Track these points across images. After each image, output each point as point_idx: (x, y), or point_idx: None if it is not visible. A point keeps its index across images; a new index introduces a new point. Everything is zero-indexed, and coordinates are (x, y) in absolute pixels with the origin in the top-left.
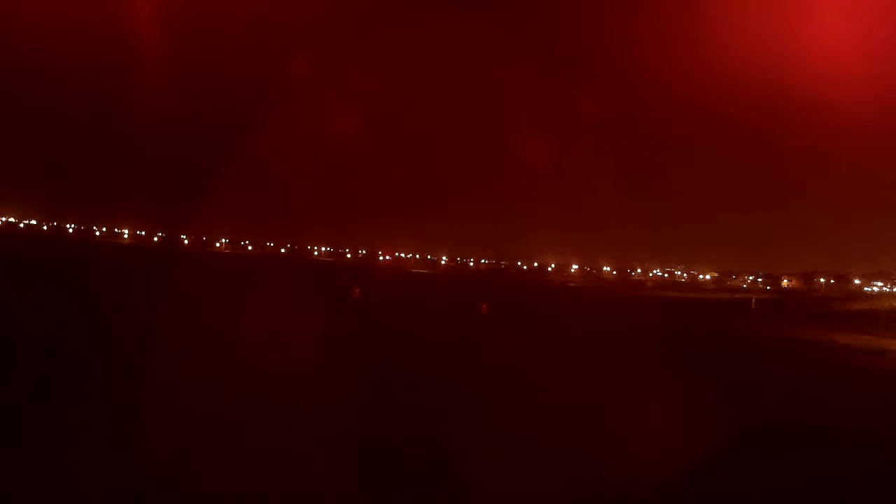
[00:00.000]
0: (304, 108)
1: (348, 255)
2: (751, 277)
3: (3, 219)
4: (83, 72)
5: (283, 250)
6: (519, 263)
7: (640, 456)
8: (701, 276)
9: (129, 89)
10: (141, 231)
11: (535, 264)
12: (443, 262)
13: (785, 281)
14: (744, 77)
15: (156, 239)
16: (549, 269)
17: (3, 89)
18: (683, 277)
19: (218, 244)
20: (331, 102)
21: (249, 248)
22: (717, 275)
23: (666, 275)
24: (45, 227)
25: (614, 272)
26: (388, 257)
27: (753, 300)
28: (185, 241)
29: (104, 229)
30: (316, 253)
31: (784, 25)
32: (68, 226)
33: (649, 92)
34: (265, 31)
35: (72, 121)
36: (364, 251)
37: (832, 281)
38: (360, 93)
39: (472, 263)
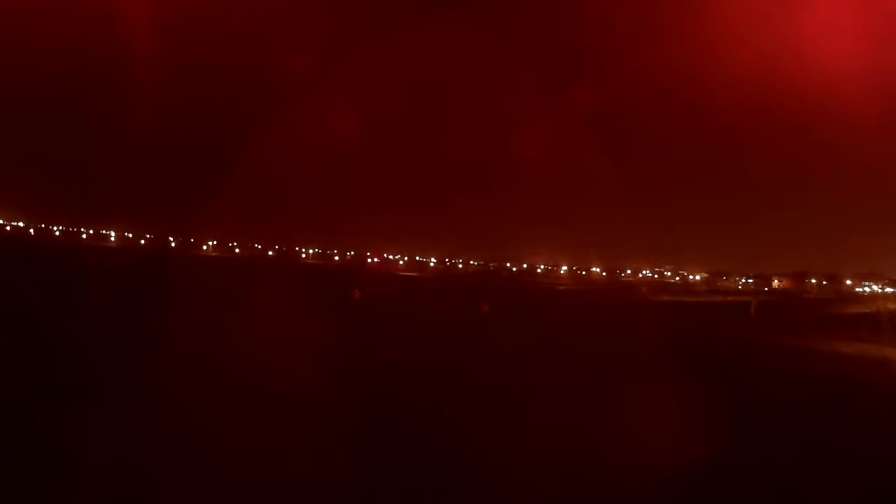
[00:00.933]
0: (293, 110)
1: (336, 258)
2: (744, 280)
3: None
4: (71, 73)
5: (270, 253)
6: (508, 265)
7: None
8: (691, 277)
9: (116, 91)
10: (128, 233)
11: (524, 265)
12: (432, 264)
13: (776, 281)
14: (735, 76)
15: (143, 241)
16: (538, 270)
17: None
18: (676, 279)
19: (205, 246)
20: (320, 105)
21: (237, 250)
22: (707, 275)
23: (656, 276)
24: (31, 230)
25: (604, 273)
26: (376, 259)
27: (753, 305)
28: (173, 244)
29: (91, 232)
30: (304, 255)
31: (778, 25)
32: (54, 228)
33: (639, 89)
34: (255, 33)
35: (58, 121)
36: (352, 252)
37: (824, 282)
38: (349, 95)
39: (461, 265)
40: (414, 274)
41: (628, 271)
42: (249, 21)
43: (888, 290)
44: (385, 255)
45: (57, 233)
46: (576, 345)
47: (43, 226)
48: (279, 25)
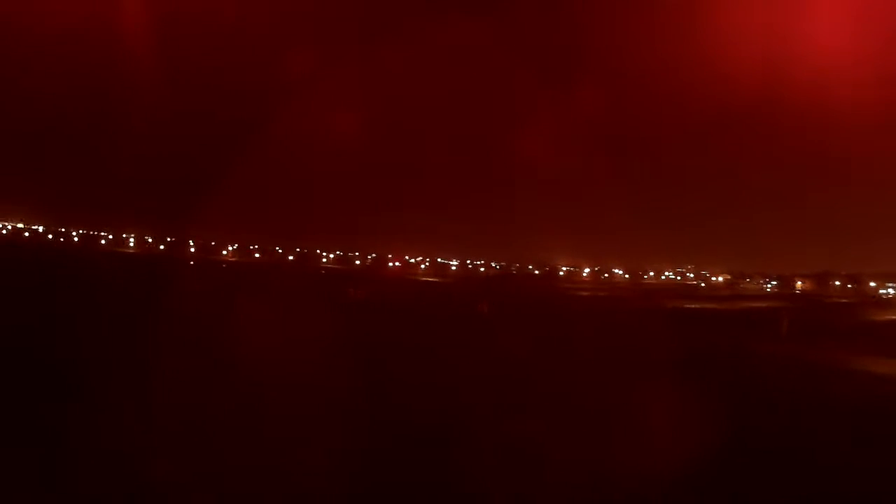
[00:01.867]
0: (312, 110)
1: (357, 261)
2: (769, 284)
3: (10, 225)
4: (89, 74)
5: (290, 257)
6: (530, 267)
7: None
8: (713, 279)
9: (135, 92)
10: (148, 237)
11: (546, 268)
12: (453, 267)
13: (798, 283)
14: (751, 75)
15: (162, 247)
16: (561, 272)
17: (6, 91)
18: (701, 284)
19: (225, 252)
20: (339, 106)
21: (257, 255)
22: (728, 277)
23: (679, 277)
24: (49, 235)
25: (626, 276)
26: (397, 263)
27: (786, 318)
28: (192, 248)
29: (111, 236)
30: (324, 259)
31: (789, 22)
32: (73, 232)
33: (656, 91)
34: (269, 31)
35: (77, 124)
36: (374, 255)
37: (849, 286)
38: (366, 96)
39: (482, 268)
40: (434, 279)
41: (651, 273)
42: (266, 21)
43: None
44: (406, 257)
45: (76, 237)
46: (599, 366)
47: (62, 230)
48: (299, 25)
